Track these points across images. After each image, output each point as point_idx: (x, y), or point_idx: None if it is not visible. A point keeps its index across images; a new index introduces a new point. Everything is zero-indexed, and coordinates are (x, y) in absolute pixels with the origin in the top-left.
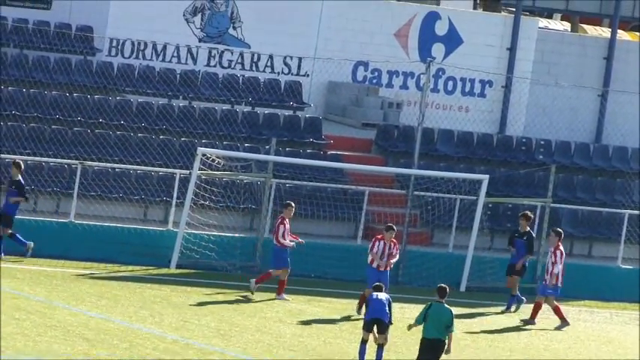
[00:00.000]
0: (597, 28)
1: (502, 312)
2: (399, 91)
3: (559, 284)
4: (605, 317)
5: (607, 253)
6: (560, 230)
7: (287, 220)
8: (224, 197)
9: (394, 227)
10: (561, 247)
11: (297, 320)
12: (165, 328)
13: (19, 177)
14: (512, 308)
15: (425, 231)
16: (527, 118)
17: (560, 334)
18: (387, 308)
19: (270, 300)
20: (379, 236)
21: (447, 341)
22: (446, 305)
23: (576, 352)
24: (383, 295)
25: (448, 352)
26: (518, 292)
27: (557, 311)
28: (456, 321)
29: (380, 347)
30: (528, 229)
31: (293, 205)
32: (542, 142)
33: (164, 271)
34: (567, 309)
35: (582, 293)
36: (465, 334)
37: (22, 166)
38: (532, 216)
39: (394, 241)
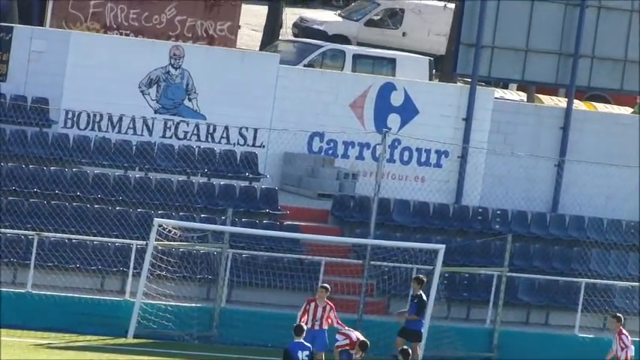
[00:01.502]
0: (553, 98)
1: None
2: (355, 161)
3: None
4: None
5: (564, 322)
6: (619, 315)
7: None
8: (180, 267)
9: (326, 286)
10: (624, 331)
11: None
12: None
13: None
14: None
15: (381, 300)
16: (483, 188)
17: None
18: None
19: None
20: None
21: None
22: None
23: None
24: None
25: None
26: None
27: None
28: None
29: None
30: (420, 292)
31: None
32: (498, 212)
33: (122, 340)
34: None
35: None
36: None
37: None
38: (424, 279)
39: (330, 303)
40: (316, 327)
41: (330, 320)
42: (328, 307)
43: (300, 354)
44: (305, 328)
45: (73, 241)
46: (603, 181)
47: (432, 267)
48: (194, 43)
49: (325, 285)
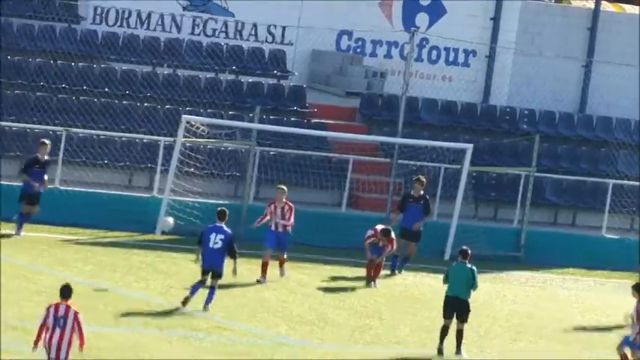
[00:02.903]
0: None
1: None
2: (383, 60)
3: None
4: (589, 285)
5: (591, 223)
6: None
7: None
8: (208, 164)
9: (283, 187)
10: None
11: (282, 286)
12: (151, 292)
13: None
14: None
15: None
16: (510, 88)
17: (543, 302)
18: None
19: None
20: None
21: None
22: (468, 265)
23: (559, 319)
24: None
25: None
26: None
27: None
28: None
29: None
30: (422, 192)
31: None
32: (526, 112)
33: (149, 237)
34: (552, 277)
35: (567, 261)
36: None
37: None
38: (425, 180)
39: (288, 204)
40: (279, 229)
41: (289, 218)
42: (287, 208)
43: (212, 236)
44: (227, 212)
45: (101, 137)
46: (631, 82)
47: (459, 166)
48: None
49: (282, 186)
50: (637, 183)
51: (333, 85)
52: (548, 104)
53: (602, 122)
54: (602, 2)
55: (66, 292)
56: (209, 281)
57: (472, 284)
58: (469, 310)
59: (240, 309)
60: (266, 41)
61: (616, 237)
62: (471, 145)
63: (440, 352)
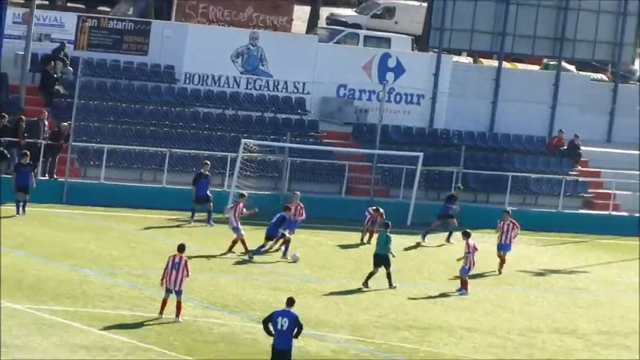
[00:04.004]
0: (489, 60)
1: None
2: (366, 102)
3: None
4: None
5: (499, 200)
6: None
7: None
8: (258, 170)
9: (297, 193)
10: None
11: (305, 245)
12: (222, 249)
13: None
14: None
15: (384, 188)
16: (446, 117)
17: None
18: None
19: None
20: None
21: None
22: (387, 233)
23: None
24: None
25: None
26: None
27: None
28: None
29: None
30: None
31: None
32: (456, 132)
33: (220, 215)
34: (474, 235)
35: (483, 226)
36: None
37: None
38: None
39: (300, 205)
40: (292, 218)
41: (301, 214)
42: (299, 207)
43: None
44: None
45: (191, 154)
46: (522, 112)
47: (415, 167)
48: (265, 30)
49: (296, 192)
50: (527, 174)
51: (335, 119)
52: (470, 126)
53: (504, 137)
54: (504, 62)
55: (181, 247)
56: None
57: (388, 245)
58: (389, 261)
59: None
60: (293, 92)
61: (514, 209)
62: (421, 154)
63: (365, 284)
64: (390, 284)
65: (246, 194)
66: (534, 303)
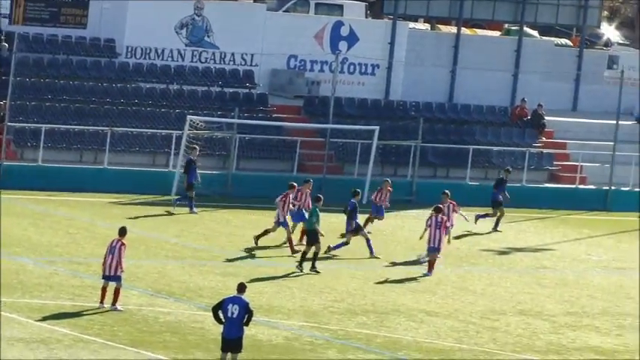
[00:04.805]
0: (448, 26)
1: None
2: (318, 73)
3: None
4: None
5: (459, 175)
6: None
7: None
8: (205, 147)
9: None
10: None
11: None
12: (169, 234)
13: None
14: None
15: (338, 165)
16: (403, 88)
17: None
18: None
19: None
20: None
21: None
22: (316, 208)
23: None
24: None
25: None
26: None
27: None
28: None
29: None
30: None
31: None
32: (413, 104)
33: (166, 197)
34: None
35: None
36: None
37: None
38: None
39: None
40: (300, 207)
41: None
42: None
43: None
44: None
45: (134, 133)
46: (484, 80)
47: (371, 141)
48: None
49: (309, 179)
50: (489, 147)
51: (285, 92)
52: (428, 97)
53: (464, 108)
54: (463, 28)
55: (121, 231)
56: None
57: (316, 219)
58: (317, 236)
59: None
60: (240, 64)
61: (476, 184)
62: (377, 127)
63: (299, 267)
64: (313, 266)
65: (295, 185)
66: (498, 284)
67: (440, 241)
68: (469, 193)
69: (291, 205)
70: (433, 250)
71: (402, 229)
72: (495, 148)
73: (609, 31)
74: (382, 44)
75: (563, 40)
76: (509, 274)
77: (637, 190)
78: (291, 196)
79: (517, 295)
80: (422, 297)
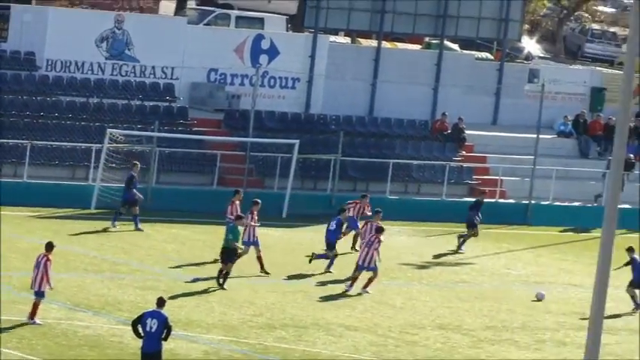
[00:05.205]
0: (368, 40)
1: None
2: (239, 87)
3: None
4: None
5: (379, 189)
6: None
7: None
8: (125, 161)
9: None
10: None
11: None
12: (89, 248)
13: None
14: None
15: (258, 178)
16: (323, 102)
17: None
18: None
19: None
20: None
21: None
22: (235, 227)
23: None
24: None
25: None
26: None
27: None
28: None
29: None
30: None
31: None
32: (333, 117)
33: (87, 211)
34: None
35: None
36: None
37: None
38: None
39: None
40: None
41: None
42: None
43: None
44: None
45: (54, 147)
46: (406, 94)
47: (291, 155)
48: (130, 12)
49: (257, 200)
50: (409, 161)
51: (206, 105)
52: (348, 111)
53: (384, 122)
54: (383, 42)
55: (48, 246)
56: None
57: (234, 237)
58: (234, 255)
59: (149, 257)
60: (161, 78)
61: (396, 198)
62: (297, 141)
63: (220, 284)
64: (220, 283)
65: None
66: (417, 298)
67: (369, 260)
68: (389, 207)
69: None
70: (361, 269)
71: (322, 243)
72: (415, 162)
73: (530, 45)
74: (303, 58)
75: (484, 54)
76: (429, 288)
77: (557, 204)
78: (237, 203)
79: (436, 309)
80: (341, 311)
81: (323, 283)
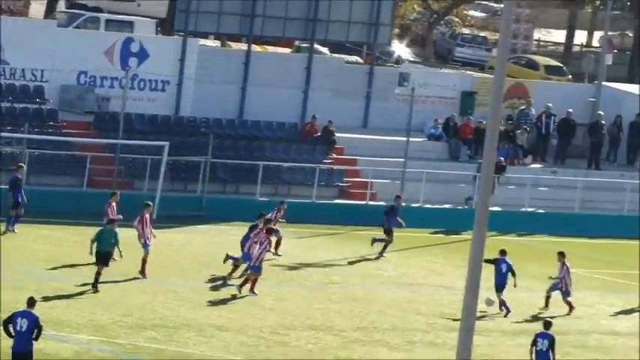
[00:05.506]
0: (238, 43)
1: None
2: (109, 89)
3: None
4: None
5: (250, 190)
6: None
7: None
8: None
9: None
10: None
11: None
12: None
13: None
14: None
15: (128, 180)
16: (192, 104)
17: (220, 242)
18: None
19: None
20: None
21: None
22: (115, 230)
23: (222, 253)
24: None
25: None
26: None
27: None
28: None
29: None
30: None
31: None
32: (203, 120)
33: None
34: (225, 227)
35: (235, 217)
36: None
37: None
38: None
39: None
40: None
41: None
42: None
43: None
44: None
45: None
46: (276, 96)
47: (161, 157)
48: (1, 15)
49: (149, 202)
50: (279, 163)
51: (76, 107)
52: (218, 114)
53: (254, 124)
54: (254, 45)
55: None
56: None
57: (116, 241)
58: (110, 257)
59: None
60: (30, 80)
61: (266, 200)
62: (167, 143)
63: (94, 287)
64: (95, 285)
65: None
66: (288, 299)
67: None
68: (259, 208)
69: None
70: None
71: (191, 245)
72: (285, 165)
73: (400, 49)
74: (172, 61)
75: (354, 58)
76: (300, 289)
77: (427, 206)
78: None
79: (307, 310)
80: (212, 312)
81: (195, 285)
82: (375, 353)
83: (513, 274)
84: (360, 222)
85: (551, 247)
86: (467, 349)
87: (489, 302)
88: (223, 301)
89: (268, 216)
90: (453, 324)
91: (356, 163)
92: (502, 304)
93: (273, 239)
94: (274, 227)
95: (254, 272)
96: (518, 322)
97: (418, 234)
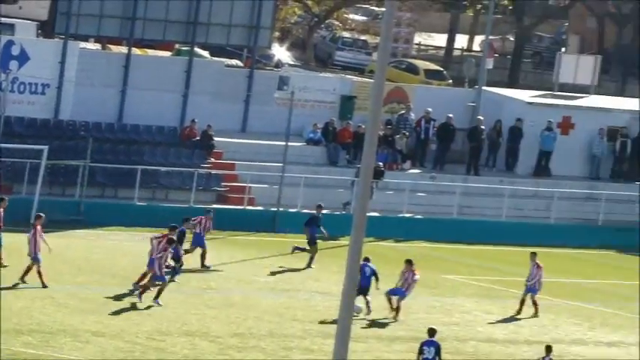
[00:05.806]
0: (119, 46)
1: None
2: None
3: None
4: (128, 236)
5: (128, 195)
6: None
7: None
8: None
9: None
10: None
11: None
12: None
13: None
14: None
15: (7, 184)
16: (72, 108)
17: (97, 248)
18: None
19: None
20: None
21: None
22: None
23: (104, 259)
24: None
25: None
26: None
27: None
28: None
29: None
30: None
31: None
32: (82, 123)
33: None
34: (103, 232)
35: (113, 222)
36: None
37: None
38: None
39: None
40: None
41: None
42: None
43: None
44: None
45: None
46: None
47: (40, 161)
48: None
49: (40, 214)
50: (158, 167)
51: None
52: (97, 117)
53: (133, 128)
54: (134, 48)
55: None
56: None
57: None
58: None
59: None
60: None
61: (144, 204)
62: (46, 147)
63: None
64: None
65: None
66: (165, 304)
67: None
68: (137, 213)
69: None
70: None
71: (69, 249)
72: (163, 169)
73: (280, 52)
74: (53, 64)
75: (234, 61)
76: (176, 295)
77: (305, 211)
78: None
79: (183, 315)
80: (88, 317)
81: (72, 290)
82: (251, 359)
83: (377, 278)
84: (238, 227)
85: (428, 252)
86: (343, 355)
87: (357, 309)
88: (100, 307)
89: (194, 223)
90: (329, 330)
91: (234, 167)
92: (367, 303)
93: (198, 250)
94: (172, 237)
95: (158, 281)
96: (393, 327)
97: (295, 239)
